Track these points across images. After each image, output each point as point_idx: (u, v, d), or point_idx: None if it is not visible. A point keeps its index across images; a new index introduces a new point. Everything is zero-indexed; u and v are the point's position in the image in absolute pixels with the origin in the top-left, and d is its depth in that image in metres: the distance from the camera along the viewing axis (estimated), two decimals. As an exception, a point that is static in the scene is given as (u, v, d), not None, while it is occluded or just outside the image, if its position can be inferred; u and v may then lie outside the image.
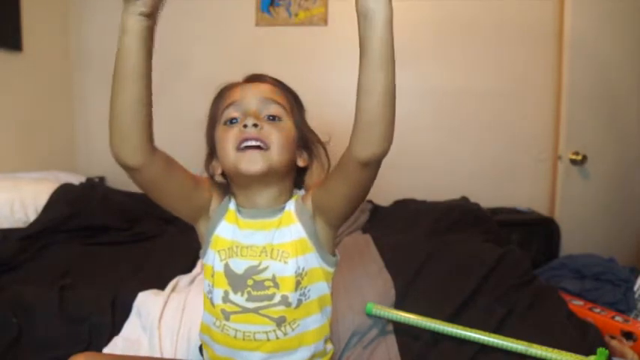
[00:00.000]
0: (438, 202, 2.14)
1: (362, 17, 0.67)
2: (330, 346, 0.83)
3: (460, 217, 1.93)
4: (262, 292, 0.73)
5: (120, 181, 2.53)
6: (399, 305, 1.22)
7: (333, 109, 2.52)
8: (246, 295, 0.73)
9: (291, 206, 0.77)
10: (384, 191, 2.36)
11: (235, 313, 0.74)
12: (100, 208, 1.85)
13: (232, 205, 0.78)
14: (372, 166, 0.71)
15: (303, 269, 0.74)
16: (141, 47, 0.69)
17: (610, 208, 2.24)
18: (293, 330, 0.74)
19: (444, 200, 2.17)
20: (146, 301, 1.13)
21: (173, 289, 1.22)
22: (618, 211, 2.25)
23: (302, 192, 0.81)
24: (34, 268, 1.40)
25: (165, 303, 1.12)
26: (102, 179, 2.54)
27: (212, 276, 0.76)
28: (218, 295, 0.75)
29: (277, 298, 0.73)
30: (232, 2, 2.49)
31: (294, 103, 0.80)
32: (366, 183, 0.71)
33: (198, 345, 0.86)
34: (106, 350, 1.03)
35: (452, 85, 2.44)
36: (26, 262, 1.43)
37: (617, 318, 1.52)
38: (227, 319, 0.74)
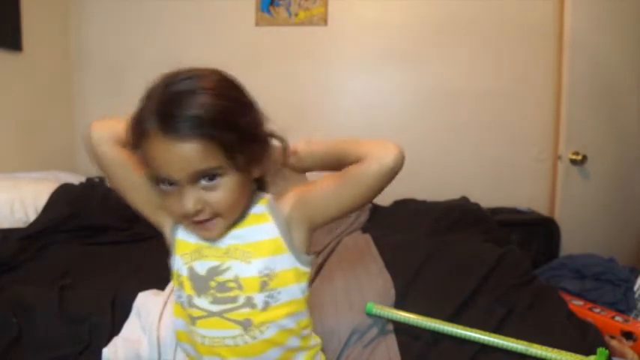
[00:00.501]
0: (438, 202, 2.14)
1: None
2: (315, 341, 0.81)
3: (460, 217, 1.93)
4: (226, 294, 0.70)
5: (120, 181, 2.53)
6: (399, 305, 1.22)
7: (333, 108, 2.52)
8: (210, 298, 0.71)
9: (262, 208, 0.73)
10: (384, 191, 2.36)
11: (201, 317, 0.72)
12: (100, 208, 1.85)
13: None
14: (392, 173, 0.76)
15: (271, 270, 0.70)
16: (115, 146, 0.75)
17: (610, 208, 2.24)
18: (262, 333, 0.71)
19: (444, 200, 2.17)
20: (146, 301, 1.13)
21: (173, 290, 1.22)
22: (618, 211, 2.25)
23: (269, 195, 0.76)
24: (34, 268, 1.40)
25: (165, 303, 1.12)
26: (102, 179, 2.53)
27: (179, 281, 0.74)
28: (185, 300, 0.73)
29: (241, 300, 0.70)
30: (232, 2, 2.49)
31: (233, 134, 0.64)
32: (375, 193, 0.74)
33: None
34: (106, 350, 1.03)
35: (452, 85, 2.44)
36: (26, 262, 1.43)
37: (617, 318, 1.52)
38: (194, 324, 0.72)
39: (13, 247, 1.45)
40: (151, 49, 2.55)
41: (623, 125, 2.23)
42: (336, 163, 0.75)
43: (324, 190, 0.73)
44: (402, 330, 1.12)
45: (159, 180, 0.66)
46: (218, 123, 0.62)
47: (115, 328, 1.10)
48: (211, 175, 0.64)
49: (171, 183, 0.65)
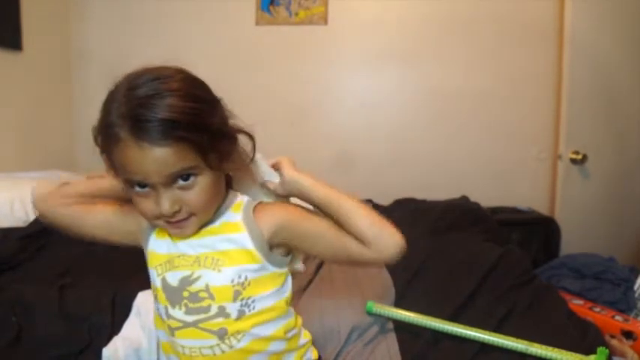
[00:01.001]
0: (438, 202, 2.14)
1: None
2: (304, 340, 0.80)
3: (460, 216, 1.93)
4: (198, 304, 0.69)
5: (120, 180, 2.53)
6: (398, 304, 1.22)
7: (332, 108, 2.52)
8: (184, 309, 0.70)
9: (236, 217, 0.72)
10: (384, 191, 2.36)
11: (178, 328, 0.71)
12: (100, 208, 1.84)
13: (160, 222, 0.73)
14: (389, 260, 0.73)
15: (245, 278, 0.69)
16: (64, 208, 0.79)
17: (610, 207, 2.24)
18: (239, 341, 0.70)
19: (444, 200, 2.17)
20: (146, 301, 1.13)
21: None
22: (618, 211, 2.25)
23: (245, 199, 0.75)
24: (34, 267, 1.40)
25: (165, 302, 1.12)
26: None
27: (154, 293, 0.74)
28: (162, 312, 0.73)
29: (214, 310, 0.69)
30: (232, 2, 2.49)
31: (203, 133, 0.63)
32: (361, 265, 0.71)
33: None
34: (106, 350, 1.03)
35: (452, 85, 2.44)
36: (26, 261, 1.43)
37: (617, 317, 1.52)
38: (172, 334, 0.72)
39: (13, 247, 1.45)
40: (151, 49, 2.55)
41: (623, 125, 2.23)
42: (330, 215, 0.71)
43: (316, 234, 0.72)
44: (403, 329, 1.12)
45: (132, 183, 0.65)
46: (189, 125, 0.61)
47: (115, 328, 1.10)
48: (186, 176, 0.64)
49: (144, 186, 0.64)
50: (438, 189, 2.31)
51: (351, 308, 1.15)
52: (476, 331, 1.07)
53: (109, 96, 0.67)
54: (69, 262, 1.43)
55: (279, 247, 0.73)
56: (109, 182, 0.75)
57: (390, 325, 1.14)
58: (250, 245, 0.70)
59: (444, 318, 1.13)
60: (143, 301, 1.14)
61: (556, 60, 2.31)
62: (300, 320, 0.80)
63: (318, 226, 0.72)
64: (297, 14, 2.45)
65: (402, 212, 2.09)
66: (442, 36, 2.43)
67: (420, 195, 2.28)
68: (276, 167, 0.77)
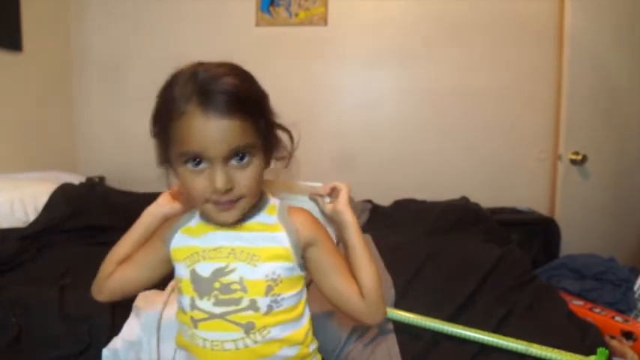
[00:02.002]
0: (438, 202, 2.14)
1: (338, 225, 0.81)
2: (313, 346, 0.81)
3: (460, 217, 1.93)
4: (229, 296, 0.70)
5: (120, 181, 2.53)
6: (398, 305, 1.22)
7: (333, 108, 2.52)
8: (212, 300, 0.70)
9: (273, 219, 0.74)
10: (384, 191, 2.36)
11: (203, 320, 0.71)
12: (100, 208, 1.85)
13: (192, 222, 0.77)
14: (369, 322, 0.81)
15: (279, 276, 0.71)
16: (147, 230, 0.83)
17: (610, 208, 2.24)
18: (263, 337, 0.71)
19: (444, 200, 2.17)
20: (146, 302, 1.13)
21: (173, 290, 1.22)
22: (618, 211, 2.25)
23: (278, 202, 0.77)
24: (34, 268, 1.40)
25: (165, 303, 1.12)
26: (102, 179, 2.54)
27: (179, 285, 0.74)
28: (186, 303, 0.73)
29: (245, 303, 0.70)
30: (232, 2, 2.49)
31: (259, 114, 0.68)
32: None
33: None
34: (106, 350, 1.03)
35: (452, 85, 2.44)
36: (26, 262, 1.43)
37: (617, 318, 1.52)
38: (195, 326, 0.72)
39: (13, 247, 1.45)
40: (151, 50, 2.55)
41: (622, 125, 2.23)
42: (346, 256, 0.79)
43: (335, 270, 0.76)
44: (403, 329, 1.12)
45: (187, 159, 0.65)
46: (252, 105, 0.66)
47: (115, 328, 1.10)
48: (242, 155, 0.66)
49: (198, 163, 0.65)
50: (438, 189, 2.32)
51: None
52: (476, 332, 1.07)
53: (168, 82, 0.68)
54: (69, 262, 1.43)
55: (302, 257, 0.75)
56: (134, 233, 0.85)
57: (390, 326, 1.13)
58: (287, 243, 0.72)
59: (444, 319, 1.13)
60: (143, 301, 1.14)
61: (556, 60, 2.31)
62: (312, 327, 0.81)
63: (342, 265, 0.77)
64: (297, 15, 2.45)
65: (402, 213, 2.09)
66: (442, 36, 2.43)
67: (420, 195, 2.28)
68: (333, 191, 0.84)
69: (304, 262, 0.75)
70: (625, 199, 2.26)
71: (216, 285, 0.70)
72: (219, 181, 0.64)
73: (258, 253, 0.71)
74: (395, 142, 2.51)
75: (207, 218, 0.74)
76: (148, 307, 1.11)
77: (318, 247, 0.75)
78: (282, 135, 0.75)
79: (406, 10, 2.43)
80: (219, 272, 0.71)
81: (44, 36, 2.34)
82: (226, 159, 0.65)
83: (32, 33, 2.19)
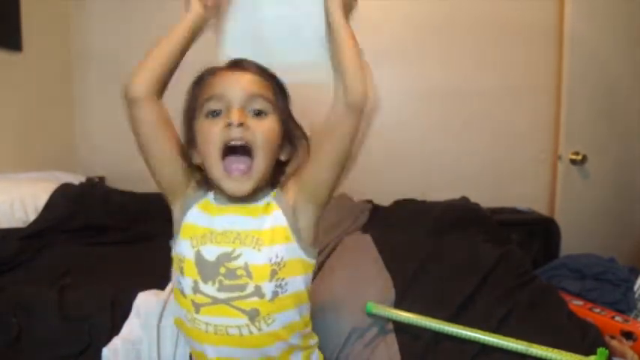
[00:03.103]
0: (438, 202, 2.14)
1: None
2: (313, 340, 0.81)
3: (460, 217, 1.93)
4: (234, 282, 0.70)
5: (120, 181, 2.53)
6: (398, 305, 1.22)
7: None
8: (217, 285, 0.70)
9: (268, 199, 0.76)
10: (384, 191, 2.36)
11: (205, 305, 0.71)
12: (100, 208, 1.85)
13: (209, 196, 0.77)
14: (356, 110, 0.77)
15: (281, 259, 0.71)
16: (189, 31, 0.83)
17: (610, 208, 2.24)
18: (268, 325, 0.71)
19: (444, 200, 2.17)
20: (146, 301, 1.13)
21: (173, 288, 1.22)
22: (618, 211, 2.25)
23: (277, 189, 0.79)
24: (34, 268, 1.40)
25: (166, 303, 1.12)
26: (102, 179, 2.54)
27: (181, 265, 0.73)
28: (187, 285, 0.72)
29: (250, 289, 0.70)
30: (232, 2, 2.49)
31: (279, 93, 0.76)
32: (350, 136, 0.74)
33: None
34: (106, 350, 1.03)
35: (452, 85, 2.44)
36: (26, 262, 1.43)
37: (617, 318, 1.52)
38: (197, 311, 0.71)
39: (13, 247, 1.45)
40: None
41: (623, 125, 2.23)
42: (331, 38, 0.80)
43: (311, 157, 0.76)
44: (402, 330, 1.12)
45: (208, 111, 0.71)
46: (274, 78, 0.76)
47: (115, 328, 1.10)
48: (259, 111, 0.71)
49: (219, 113, 0.70)
50: (438, 189, 2.31)
51: (350, 310, 1.14)
52: (476, 332, 1.07)
53: (196, 77, 0.78)
54: (69, 262, 1.43)
55: (305, 210, 0.74)
56: (187, 19, 0.83)
57: (390, 326, 1.13)
58: (284, 222, 0.73)
59: (444, 319, 1.13)
60: (143, 301, 1.14)
61: (556, 60, 2.31)
62: (311, 320, 0.81)
63: (316, 148, 0.77)
64: (297, 14, 2.45)
65: (402, 213, 2.09)
66: (442, 36, 2.42)
67: (419, 195, 2.28)
68: None
69: (311, 233, 0.75)
70: (625, 199, 2.26)
71: (222, 270, 0.70)
72: (234, 115, 0.68)
73: (262, 237, 0.71)
74: (395, 142, 2.51)
75: (221, 199, 0.75)
76: (148, 307, 1.12)
77: (300, 178, 0.76)
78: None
79: (406, 11, 2.43)
80: (225, 257, 0.71)
81: (44, 36, 2.34)
82: (244, 106, 0.70)
83: (32, 33, 2.19)
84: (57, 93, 2.49)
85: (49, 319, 1.11)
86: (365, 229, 1.90)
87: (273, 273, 0.70)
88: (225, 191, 0.71)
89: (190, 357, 0.81)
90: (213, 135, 0.69)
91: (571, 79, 2.13)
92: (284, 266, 0.71)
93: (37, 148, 2.31)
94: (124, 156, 2.64)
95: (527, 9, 2.36)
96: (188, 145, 0.76)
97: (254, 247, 0.71)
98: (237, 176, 0.69)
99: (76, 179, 2.11)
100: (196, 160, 0.76)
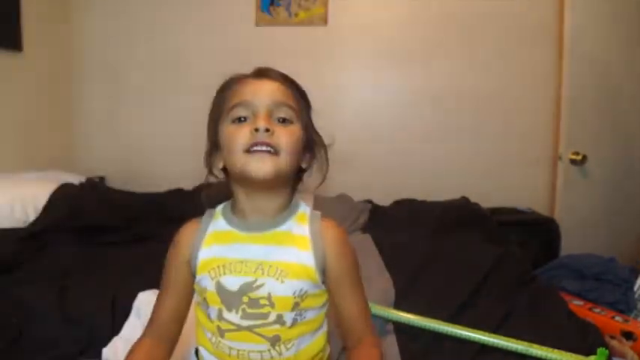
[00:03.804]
0: (438, 202, 2.14)
1: None
2: (328, 349, 0.82)
3: (460, 217, 1.93)
4: (257, 310, 0.71)
5: (120, 181, 2.53)
6: (398, 305, 1.22)
7: (332, 108, 2.52)
8: (240, 313, 0.71)
9: (303, 230, 0.74)
10: (384, 191, 2.36)
11: (230, 330, 0.72)
12: (100, 208, 1.85)
13: (218, 225, 0.76)
14: None
15: (305, 292, 0.71)
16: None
17: (610, 208, 2.24)
18: (288, 350, 0.72)
19: (444, 200, 2.17)
20: (146, 301, 1.13)
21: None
22: (618, 211, 2.25)
23: (308, 210, 0.78)
24: (34, 268, 1.40)
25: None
26: (102, 179, 2.54)
27: (203, 296, 0.74)
28: (213, 312, 0.73)
29: (272, 317, 0.71)
30: (232, 2, 2.49)
31: (302, 102, 0.78)
32: None
33: (194, 347, 0.85)
34: (106, 350, 1.03)
35: (451, 86, 2.44)
36: (26, 262, 1.43)
37: (617, 318, 1.52)
38: (222, 336, 0.72)
39: (13, 247, 1.45)
40: (151, 49, 2.56)
41: (623, 125, 2.23)
42: None
43: (339, 293, 0.76)
44: (402, 330, 1.12)
45: (234, 117, 0.72)
46: (299, 88, 0.79)
47: (115, 328, 1.10)
48: (284, 119, 0.72)
49: (245, 119, 0.71)
50: (437, 189, 2.32)
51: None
52: (476, 333, 1.07)
53: (223, 84, 0.79)
54: (69, 263, 1.43)
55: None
56: None
57: (390, 327, 1.14)
58: (312, 264, 0.72)
59: (444, 318, 1.13)
60: (143, 301, 1.14)
61: (556, 60, 2.31)
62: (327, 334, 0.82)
63: (356, 294, 0.77)
64: (297, 15, 2.45)
65: (402, 213, 2.09)
66: (442, 37, 2.42)
67: (419, 195, 2.28)
68: None
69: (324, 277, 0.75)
70: (625, 199, 2.26)
71: (245, 299, 0.71)
72: (261, 121, 0.69)
73: (286, 269, 0.71)
74: (395, 141, 2.51)
75: (236, 224, 0.75)
76: (148, 307, 1.11)
77: (339, 270, 0.75)
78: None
79: (406, 11, 2.43)
80: (248, 287, 0.71)
81: (44, 36, 2.34)
82: (270, 112, 0.71)
83: (32, 33, 2.19)
84: (57, 93, 2.49)
85: (49, 320, 1.11)
86: (365, 229, 1.90)
87: (296, 305, 0.71)
88: (249, 174, 0.68)
89: (196, 351, 0.81)
90: (239, 138, 0.70)
91: (571, 79, 2.13)
92: (306, 298, 0.72)
93: (37, 148, 2.31)
94: (124, 156, 2.66)
95: (528, 9, 2.36)
96: (211, 150, 0.77)
97: (277, 279, 0.70)
98: (260, 155, 0.68)
99: (76, 179, 2.11)
100: (218, 164, 0.77)
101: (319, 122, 0.84)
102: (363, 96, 2.51)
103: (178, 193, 2.20)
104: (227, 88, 0.77)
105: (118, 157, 2.65)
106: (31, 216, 1.70)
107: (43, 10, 2.32)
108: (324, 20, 2.45)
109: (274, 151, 0.69)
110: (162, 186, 2.32)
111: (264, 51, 2.46)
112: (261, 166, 0.68)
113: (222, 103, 0.75)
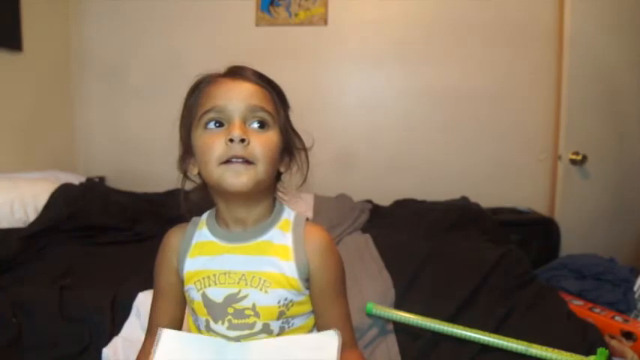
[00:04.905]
0: (438, 202, 2.14)
1: None
2: None
3: (460, 216, 1.93)
4: (243, 321, 0.70)
5: (120, 181, 2.53)
6: (398, 305, 1.22)
7: (332, 108, 2.53)
8: (227, 324, 0.70)
9: (286, 240, 0.72)
10: (384, 191, 2.36)
11: None
12: (100, 208, 1.85)
13: (202, 235, 0.75)
14: None
15: (290, 301, 0.71)
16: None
17: (610, 208, 2.24)
18: None
19: (444, 200, 2.17)
20: (146, 301, 1.12)
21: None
22: (618, 211, 2.25)
23: (292, 215, 0.76)
24: (34, 268, 1.40)
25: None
26: (102, 179, 2.54)
27: (191, 306, 0.74)
28: (202, 323, 0.73)
29: (258, 327, 0.70)
30: (232, 2, 2.49)
31: (279, 102, 0.73)
32: None
33: None
34: (106, 350, 1.03)
35: (452, 86, 2.44)
36: (26, 262, 1.43)
37: (617, 318, 1.52)
38: None
39: (13, 247, 1.45)
40: (151, 49, 2.56)
41: (623, 125, 2.23)
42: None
43: (326, 309, 0.74)
44: (402, 330, 1.12)
45: (208, 120, 0.68)
46: (275, 87, 0.73)
47: (115, 328, 1.10)
48: (261, 123, 0.69)
49: (219, 125, 0.68)
50: (438, 189, 2.32)
51: (351, 312, 1.14)
52: (476, 333, 1.07)
53: (193, 85, 0.75)
54: (69, 262, 1.43)
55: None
56: None
57: (390, 327, 1.14)
58: (295, 275, 0.71)
59: (444, 318, 1.13)
60: (143, 301, 1.14)
61: (556, 60, 2.31)
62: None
63: (336, 302, 0.75)
64: (297, 15, 2.45)
65: (402, 213, 2.09)
66: (442, 37, 2.43)
67: (420, 195, 2.29)
68: None
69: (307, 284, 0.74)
70: (625, 199, 2.26)
71: (230, 310, 0.70)
72: (236, 131, 0.65)
73: (269, 279, 0.70)
74: (395, 141, 2.51)
75: (219, 234, 0.73)
76: (148, 307, 1.11)
77: (322, 281, 0.73)
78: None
79: (406, 11, 2.43)
80: (232, 298, 0.70)
81: (44, 36, 2.34)
82: (245, 118, 0.68)
83: (32, 33, 2.19)
84: (57, 93, 2.49)
85: (49, 319, 1.11)
86: (365, 229, 1.90)
87: (281, 313, 0.70)
88: (225, 187, 0.67)
89: None
90: (213, 150, 0.66)
91: (571, 79, 2.13)
92: (292, 306, 0.71)
93: (37, 148, 2.31)
94: (124, 156, 2.66)
95: (528, 9, 2.36)
96: (184, 155, 0.75)
97: (260, 289, 0.70)
98: (236, 166, 0.66)
99: (76, 179, 2.11)
100: (192, 171, 0.74)
101: (319, 122, 0.83)
102: (363, 96, 2.51)
103: (178, 193, 2.20)
104: (198, 90, 0.72)
105: (118, 157, 2.65)
106: (31, 216, 1.70)
107: (43, 10, 2.32)
108: (324, 20, 2.45)
109: (250, 161, 0.66)
110: (162, 186, 2.32)
111: (264, 51, 2.46)
112: (238, 179, 0.66)
113: (194, 107, 0.71)
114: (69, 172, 2.26)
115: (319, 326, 0.76)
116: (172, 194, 2.20)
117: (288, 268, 0.71)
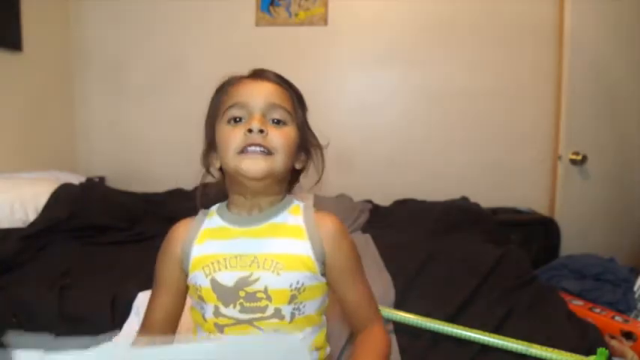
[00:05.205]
0: (438, 202, 2.14)
1: None
2: (328, 349, 0.82)
3: (460, 216, 1.93)
4: (255, 304, 0.71)
5: (120, 181, 2.53)
6: (398, 305, 1.22)
7: (332, 108, 2.53)
8: (238, 307, 0.71)
9: (297, 220, 0.75)
10: (384, 191, 2.36)
11: (229, 325, 0.72)
12: (100, 208, 1.85)
13: (212, 223, 0.77)
14: None
15: (302, 285, 0.71)
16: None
17: (610, 208, 2.24)
18: None
19: (444, 200, 2.17)
20: (146, 301, 1.12)
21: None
22: (618, 211, 2.25)
23: (302, 204, 0.78)
24: (34, 268, 1.40)
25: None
26: (102, 179, 2.54)
27: (198, 294, 0.73)
28: (209, 310, 0.73)
29: (270, 311, 0.71)
30: (232, 2, 2.49)
31: (297, 104, 0.79)
32: None
33: None
34: (106, 350, 1.03)
35: (452, 86, 2.44)
36: (26, 262, 1.43)
37: (617, 318, 1.52)
38: (221, 331, 0.72)
39: (13, 247, 1.45)
40: (151, 49, 2.56)
41: (623, 125, 2.23)
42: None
43: (341, 281, 0.76)
44: (402, 330, 1.12)
45: (230, 117, 0.73)
46: (294, 89, 0.79)
47: (115, 328, 1.10)
48: (279, 120, 0.73)
49: (240, 120, 0.72)
50: (438, 189, 2.32)
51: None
52: (476, 332, 1.07)
53: (219, 86, 0.80)
54: (69, 263, 1.43)
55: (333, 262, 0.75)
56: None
57: (390, 327, 1.13)
58: (310, 253, 0.72)
59: (444, 318, 1.13)
60: (143, 301, 1.13)
61: (556, 60, 2.31)
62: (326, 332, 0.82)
63: (357, 280, 0.78)
64: (297, 15, 2.45)
65: (402, 213, 2.09)
66: (442, 37, 2.42)
67: (420, 195, 2.28)
68: None
69: (324, 269, 0.75)
70: (625, 200, 2.26)
71: (241, 294, 0.71)
72: (255, 122, 0.70)
73: (282, 261, 0.71)
74: (395, 142, 2.51)
75: (230, 219, 0.75)
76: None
77: (340, 260, 0.75)
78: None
79: (406, 11, 2.43)
80: (243, 281, 0.71)
81: (44, 36, 2.34)
82: (265, 114, 0.72)
83: (32, 33, 2.19)
84: (57, 93, 2.49)
85: (49, 319, 1.11)
86: (365, 229, 1.90)
87: (293, 297, 0.71)
88: (242, 172, 0.70)
89: None
90: (233, 139, 0.71)
91: (571, 79, 2.13)
92: (304, 291, 0.72)
93: (37, 148, 2.31)
94: (124, 156, 2.66)
95: (528, 9, 2.36)
96: (208, 150, 0.79)
97: (273, 272, 0.70)
98: (253, 154, 0.70)
99: (76, 179, 2.11)
100: (215, 164, 0.78)
101: (319, 122, 0.84)
102: (363, 96, 2.51)
103: (178, 193, 2.20)
104: (223, 89, 0.78)
105: (118, 157, 2.65)
106: (31, 216, 1.70)
107: (43, 10, 2.32)
108: (324, 20, 2.45)
109: (268, 152, 0.70)
110: (162, 186, 2.32)
111: (264, 51, 2.46)
112: (255, 165, 0.69)
113: (219, 104, 0.77)
114: (69, 172, 2.26)
115: (343, 306, 0.77)
116: (172, 194, 2.20)
117: (303, 247, 0.72)
